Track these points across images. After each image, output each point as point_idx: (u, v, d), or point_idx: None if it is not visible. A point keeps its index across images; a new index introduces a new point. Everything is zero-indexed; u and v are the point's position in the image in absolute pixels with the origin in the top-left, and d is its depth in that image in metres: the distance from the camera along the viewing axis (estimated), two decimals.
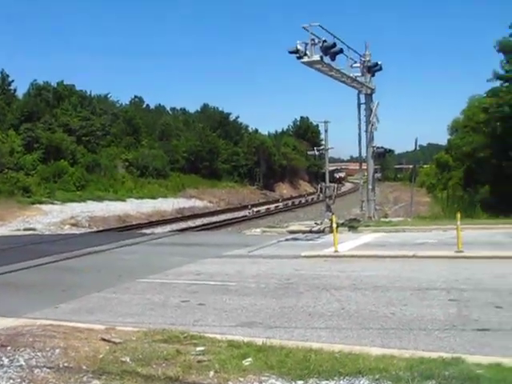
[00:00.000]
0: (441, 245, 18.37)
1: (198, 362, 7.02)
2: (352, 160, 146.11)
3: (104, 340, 8.23)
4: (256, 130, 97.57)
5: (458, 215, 16.25)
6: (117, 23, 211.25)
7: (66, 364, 7.19)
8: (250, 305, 11.04)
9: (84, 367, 7.00)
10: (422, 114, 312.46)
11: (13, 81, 71.30)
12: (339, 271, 14.44)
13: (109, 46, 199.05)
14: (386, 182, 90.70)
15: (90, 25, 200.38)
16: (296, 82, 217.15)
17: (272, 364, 6.90)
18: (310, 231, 24.90)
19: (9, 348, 8.05)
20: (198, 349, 7.60)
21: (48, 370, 6.96)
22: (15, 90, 71.27)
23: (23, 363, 7.33)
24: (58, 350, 7.81)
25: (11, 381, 6.71)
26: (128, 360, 7.15)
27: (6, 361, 7.50)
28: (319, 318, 9.86)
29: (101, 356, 7.41)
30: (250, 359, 7.09)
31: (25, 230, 34.52)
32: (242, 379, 6.44)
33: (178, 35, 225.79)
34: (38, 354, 7.72)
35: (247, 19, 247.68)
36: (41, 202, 46.64)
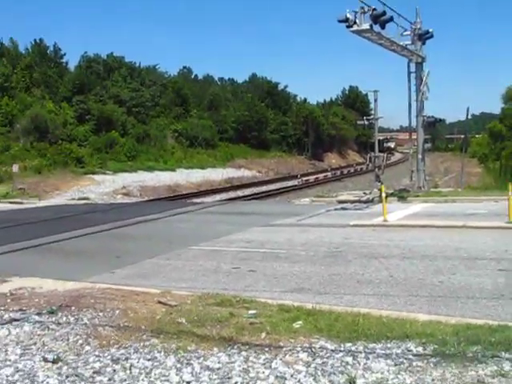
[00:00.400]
0: (491, 215, 18.20)
1: (251, 324, 7.33)
2: (401, 130, 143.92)
3: (160, 303, 8.62)
4: (305, 100, 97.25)
5: (510, 185, 16.03)
6: None
7: (126, 324, 7.61)
8: (300, 272, 11.30)
9: (143, 327, 7.39)
10: (475, 83, 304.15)
11: (65, 54, 72.85)
12: (388, 240, 14.56)
13: (157, 15, 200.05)
14: (437, 152, 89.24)
15: None
16: (345, 51, 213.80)
17: (321, 327, 7.15)
18: (359, 201, 24.97)
19: (73, 308, 8.56)
20: (250, 312, 7.91)
21: (110, 329, 7.39)
22: (67, 63, 72.85)
23: (87, 322, 7.81)
24: (117, 311, 8.25)
25: (78, 336, 7.17)
26: (184, 321, 7.51)
27: (71, 319, 8.00)
28: (368, 285, 10.05)
29: (158, 317, 7.80)
30: (300, 322, 7.36)
31: (79, 199, 35.50)
32: (292, 340, 6.72)
33: (226, 4, 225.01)
34: (100, 314, 8.19)
35: None
36: (93, 173, 47.84)
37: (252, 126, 77.40)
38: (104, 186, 42.04)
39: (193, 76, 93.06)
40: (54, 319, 8.04)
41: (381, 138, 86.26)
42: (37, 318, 8.17)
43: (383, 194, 18.60)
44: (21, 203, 33.24)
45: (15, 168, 38.25)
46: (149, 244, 16.30)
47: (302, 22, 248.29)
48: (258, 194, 38.80)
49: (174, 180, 47.04)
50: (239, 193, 40.36)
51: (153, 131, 64.59)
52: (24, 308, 8.79)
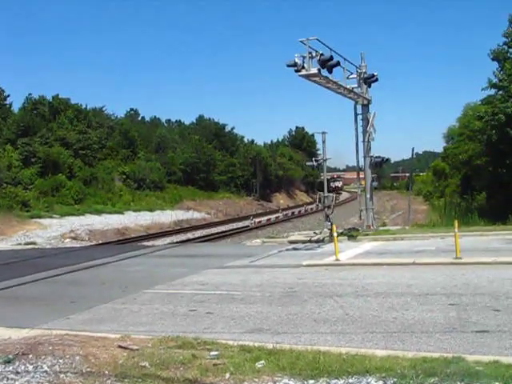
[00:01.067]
0: (439, 252, 18.81)
1: (214, 365, 7.41)
2: (348, 169, 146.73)
3: (121, 347, 8.60)
4: (252, 141, 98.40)
5: (456, 223, 16.70)
6: (111, 38, 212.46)
7: (88, 369, 7.57)
8: (257, 312, 11.42)
9: (106, 372, 7.37)
10: (418, 123, 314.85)
11: (8, 95, 72.10)
12: (341, 279, 14.85)
13: (102, 60, 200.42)
14: (383, 191, 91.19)
15: (84, 40, 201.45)
16: (292, 94, 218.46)
17: (284, 366, 7.29)
18: (310, 241, 25.30)
19: (30, 356, 8.43)
20: (213, 353, 7.99)
21: (73, 375, 7.34)
22: (11, 105, 72.06)
23: (47, 369, 7.72)
24: (78, 357, 8.19)
25: None
26: (147, 365, 7.53)
27: (30, 367, 7.89)
28: (324, 323, 10.25)
29: (120, 361, 7.79)
30: (262, 362, 7.48)
31: (26, 244, 34.76)
32: (256, 380, 6.84)
33: (172, 48, 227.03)
34: (60, 360, 8.10)
35: (243, 32, 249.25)
36: (40, 216, 46.92)
37: (200, 167, 77.70)
38: (51, 230, 41.27)
39: (140, 118, 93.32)
40: (11, 368, 7.90)
41: (328, 177, 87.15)
42: None
43: (334, 234, 18.99)
44: None
45: None
46: (102, 289, 16.15)
47: (249, 65, 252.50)
48: (208, 235, 38.85)
49: (123, 223, 46.63)
50: (189, 235, 40.30)
51: (100, 174, 64.05)
52: None
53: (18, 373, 7.70)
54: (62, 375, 7.40)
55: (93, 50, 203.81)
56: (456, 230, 16.71)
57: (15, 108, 71.75)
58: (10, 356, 8.45)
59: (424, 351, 8.07)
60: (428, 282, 13.67)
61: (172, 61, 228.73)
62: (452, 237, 21.71)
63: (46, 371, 7.64)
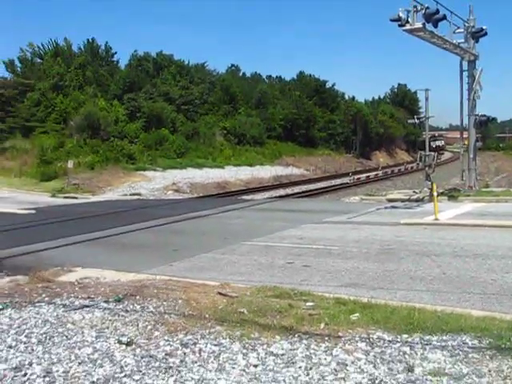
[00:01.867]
0: None
1: (310, 315, 7.65)
2: (451, 128, 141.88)
3: (221, 294, 9.01)
4: (353, 98, 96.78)
5: None
6: None
7: (190, 312, 8.02)
8: (353, 268, 11.56)
9: (206, 315, 7.78)
10: None
11: (115, 53, 74.62)
12: (439, 238, 14.66)
13: (205, 17, 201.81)
14: (488, 152, 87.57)
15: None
16: (395, 50, 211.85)
17: (378, 319, 7.41)
18: (409, 199, 24.99)
19: (137, 297, 9.02)
20: (308, 304, 8.23)
21: (176, 316, 7.81)
22: (118, 62, 74.61)
23: (153, 310, 8.25)
24: (180, 301, 8.67)
25: (147, 323, 7.61)
26: (245, 311, 7.87)
27: (138, 307, 8.45)
28: (421, 281, 10.25)
29: (220, 307, 8.18)
30: (357, 314, 7.64)
31: (131, 194, 36.43)
32: (350, 331, 7.01)
33: (274, 3, 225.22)
34: (164, 303, 8.62)
35: None
36: (144, 169, 48.80)
37: (300, 123, 77.57)
38: (155, 183, 42.90)
39: (241, 74, 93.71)
40: (121, 307, 8.50)
41: (430, 136, 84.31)
42: (105, 305, 8.65)
43: (434, 193, 18.64)
44: (75, 198, 34.29)
45: (70, 164, 39.39)
46: (203, 239, 16.76)
47: (349, 21, 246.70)
48: (307, 191, 39.05)
49: (223, 177, 47.65)
50: (288, 190, 40.65)
51: (202, 129, 65.35)
52: (92, 296, 9.29)
53: (127, 311, 8.27)
54: (166, 316, 7.88)
55: (196, 6, 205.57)
56: None
57: (122, 65, 74.21)
58: (120, 296, 9.07)
59: None
60: None
61: (273, 16, 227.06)
62: None
63: (151, 311, 8.15)
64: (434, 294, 9.34)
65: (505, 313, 8.02)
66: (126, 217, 23.65)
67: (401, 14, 19.88)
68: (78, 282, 10.71)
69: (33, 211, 26.53)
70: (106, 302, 8.85)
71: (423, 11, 20.13)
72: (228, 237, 16.57)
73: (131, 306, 8.47)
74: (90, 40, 73.13)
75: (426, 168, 25.86)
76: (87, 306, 8.59)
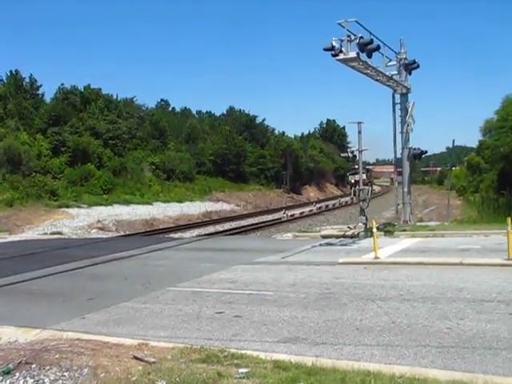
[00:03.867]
0: (486, 251, 17.30)
1: None
2: (378, 163, 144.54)
3: (136, 359, 7.49)
4: (283, 133, 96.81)
5: (509, 220, 15.04)
6: (143, 30, 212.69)
7: None
8: (291, 317, 10.22)
9: None
10: (448, 116, 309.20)
11: (41, 85, 71.82)
12: (382, 279, 13.55)
13: (134, 52, 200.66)
14: (414, 185, 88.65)
15: (118, 32, 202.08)
16: (323, 85, 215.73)
17: None
18: (344, 235, 24.01)
19: (33, 366, 7.39)
20: (241, 370, 6.82)
21: None
22: (43, 95, 71.76)
23: None
24: (86, 370, 7.11)
25: None
26: None
27: (30, 382, 6.83)
28: (368, 333, 9.00)
29: (133, 378, 6.68)
30: None
31: (52, 233, 34.23)
32: None
33: (203, 39, 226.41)
34: (65, 374, 7.04)
35: (275, 24, 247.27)
36: (68, 206, 46.47)
37: (230, 159, 76.65)
38: (78, 220, 40.70)
39: (170, 109, 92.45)
40: (8, 382, 6.84)
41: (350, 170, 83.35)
42: None
43: (374, 229, 17.58)
44: None
45: None
46: (124, 284, 15.11)
47: (279, 56, 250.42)
48: (238, 228, 37.72)
49: (151, 214, 45.85)
50: (218, 227, 39.23)
51: (129, 164, 63.44)
52: None
53: None
54: None
55: (125, 41, 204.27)
56: (509, 227, 15.04)
57: (47, 98, 71.50)
58: (11, 366, 7.41)
59: (492, 373, 6.79)
60: (481, 285, 12.27)
61: (203, 52, 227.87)
62: (497, 235, 20.48)
63: None
64: (387, 349, 8.11)
65: (471, 371, 6.89)
66: (42, 259, 21.65)
67: (334, 44, 19.09)
68: None
69: None
70: None
71: (357, 41, 19.41)
72: (152, 281, 14.98)
73: (21, 382, 6.82)
74: (14, 72, 70.27)
75: (361, 203, 25.04)
76: None
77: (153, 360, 7.35)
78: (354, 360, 7.57)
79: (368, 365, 7.14)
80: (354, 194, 25.83)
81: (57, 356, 7.79)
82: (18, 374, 7.09)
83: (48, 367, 7.29)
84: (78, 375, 6.94)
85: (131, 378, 6.68)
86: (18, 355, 7.91)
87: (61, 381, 6.77)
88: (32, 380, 6.84)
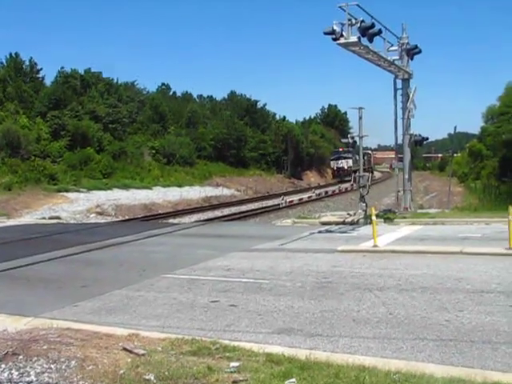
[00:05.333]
0: (487, 240, 17.11)
1: (233, 382, 6.04)
2: (380, 148, 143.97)
3: (126, 350, 7.29)
4: (284, 118, 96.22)
5: (510, 208, 14.77)
6: (144, 13, 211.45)
7: (80, 382, 6.26)
8: (287, 307, 10.02)
9: None
10: (450, 103, 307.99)
11: (41, 69, 71.41)
12: (381, 268, 13.34)
13: (136, 35, 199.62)
14: (415, 171, 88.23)
15: (118, 15, 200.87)
16: (325, 70, 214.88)
17: None
18: (343, 222, 23.75)
19: (20, 357, 7.20)
20: (232, 364, 6.61)
21: None
22: (43, 78, 71.35)
23: (34, 378, 6.43)
24: (73, 362, 6.91)
25: None
26: (152, 378, 6.21)
27: (15, 374, 6.63)
28: (365, 324, 8.81)
29: (121, 371, 6.47)
30: (293, 380, 6.08)
31: (50, 218, 33.99)
32: None
33: (204, 23, 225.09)
34: (52, 366, 6.83)
35: (277, 6, 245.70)
36: (67, 190, 46.29)
37: (231, 143, 76.31)
38: (77, 205, 40.47)
39: (171, 93, 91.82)
40: None
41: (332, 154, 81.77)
42: None
43: (373, 217, 17.36)
44: None
45: None
46: (119, 271, 14.94)
47: (280, 40, 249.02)
48: (237, 213, 37.47)
49: (151, 198, 45.61)
50: (218, 212, 38.96)
51: (129, 148, 63.17)
52: None
53: None
54: None
55: (127, 24, 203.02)
56: (510, 216, 14.78)
57: (47, 82, 71.03)
58: None
59: (491, 369, 6.60)
60: (480, 276, 12.05)
61: (204, 36, 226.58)
62: (498, 223, 20.23)
63: (31, 381, 6.34)
64: (383, 342, 7.91)
65: (469, 366, 6.71)
66: (38, 244, 21.46)
67: (335, 27, 18.72)
68: None
69: None
70: None
71: (358, 25, 19.04)
72: (147, 268, 14.79)
73: (6, 374, 6.62)
74: (14, 55, 69.79)
75: (361, 189, 24.77)
76: None
77: (142, 352, 7.15)
78: (350, 353, 7.38)
79: (363, 359, 6.94)
80: (355, 181, 25.58)
81: (45, 347, 7.59)
82: (3, 366, 6.89)
83: (35, 359, 7.10)
84: (64, 367, 6.74)
85: (119, 371, 6.48)
86: (6, 346, 7.71)
87: (47, 373, 6.57)
88: (17, 372, 6.64)
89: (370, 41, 20.29)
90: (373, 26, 19.64)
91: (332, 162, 78.62)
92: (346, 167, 73.21)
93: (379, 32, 20.51)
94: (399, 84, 25.90)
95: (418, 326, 8.64)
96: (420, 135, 26.22)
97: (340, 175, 72.76)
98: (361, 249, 16.45)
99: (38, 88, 66.73)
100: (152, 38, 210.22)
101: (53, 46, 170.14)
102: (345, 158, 74.34)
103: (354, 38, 19.17)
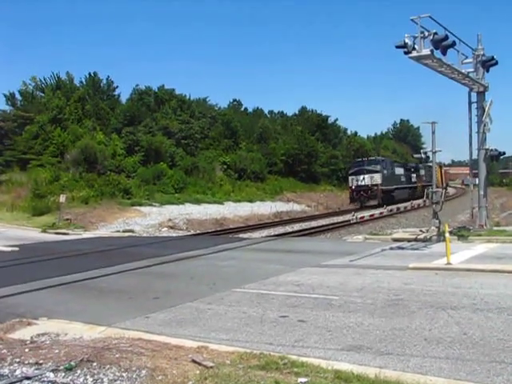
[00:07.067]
0: None
1: None
2: (453, 164, 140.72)
3: (195, 362, 7.36)
4: (355, 133, 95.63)
5: None
6: (216, 30, 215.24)
7: None
8: (356, 324, 9.88)
9: None
10: None
11: (117, 86, 74.03)
12: (454, 287, 12.97)
13: (208, 52, 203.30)
14: (491, 188, 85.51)
15: (191, 32, 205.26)
16: (396, 84, 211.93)
17: None
18: (416, 239, 23.29)
19: (94, 364, 7.40)
20: (300, 380, 6.57)
21: None
22: (119, 96, 73.89)
23: None
24: (144, 371, 7.04)
25: None
26: None
27: (89, 380, 6.82)
28: (437, 344, 8.57)
29: (190, 383, 6.54)
30: None
31: (124, 231, 34.88)
32: None
33: (276, 39, 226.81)
34: (124, 374, 6.99)
35: (345, 22, 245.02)
36: (140, 204, 47.37)
37: (302, 159, 76.30)
38: (150, 218, 41.37)
39: (242, 109, 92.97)
40: (69, 379, 6.87)
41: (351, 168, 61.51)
42: (51, 376, 7.04)
43: (447, 234, 16.92)
44: (66, 234, 32.97)
45: (62, 198, 37.91)
46: (190, 284, 15.13)
47: (352, 56, 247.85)
48: (307, 229, 37.31)
49: (222, 213, 46.05)
50: (288, 228, 38.94)
51: (201, 163, 64.14)
52: (41, 361, 7.69)
53: None
54: None
55: (199, 41, 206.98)
56: None
57: (123, 99, 73.54)
58: (73, 363, 7.44)
59: None
60: None
61: (276, 52, 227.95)
62: None
63: None
64: (456, 363, 7.66)
65: None
66: (112, 256, 22.12)
67: (407, 41, 18.46)
68: (31, 340, 9.10)
69: (16, 248, 25.21)
70: (54, 370, 7.25)
71: (431, 37, 18.72)
72: (217, 282, 14.93)
73: (81, 379, 6.82)
74: (92, 74, 72.66)
75: (434, 206, 24.21)
76: (28, 378, 6.96)
77: (211, 364, 7.21)
78: (421, 373, 7.19)
79: (436, 380, 6.76)
80: (427, 197, 25.03)
81: (117, 355, 7.77)
82: (79, 372, 7.12)
83: (108, 366, 7.28)
84: (135, 376, 6.88)
85: (187, 383, 6.55)
86: (81, 352, 7.95)
87: (119, 381, 6.73)
88: (92, 378, 6.84)
89: (444, 53, 19.89)
90: (446, 37, 19.26)
91: (350, 178, 57.35)
92: (369, 184, 54.61)
93: (453, 44, 20.09)
94: (474, 97, 25.21)
95: (495, 348, 8.32)
96: (496, 150, 25.40)
97: (360, 197, 55.65)
98: (433, 266, 16.05)
99: (114, 105, 69.10)
100: (223, 54, 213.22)
101: (128, 63, 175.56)
102: (369, 171, 55.26)
103: (426, 51, 18.83)
